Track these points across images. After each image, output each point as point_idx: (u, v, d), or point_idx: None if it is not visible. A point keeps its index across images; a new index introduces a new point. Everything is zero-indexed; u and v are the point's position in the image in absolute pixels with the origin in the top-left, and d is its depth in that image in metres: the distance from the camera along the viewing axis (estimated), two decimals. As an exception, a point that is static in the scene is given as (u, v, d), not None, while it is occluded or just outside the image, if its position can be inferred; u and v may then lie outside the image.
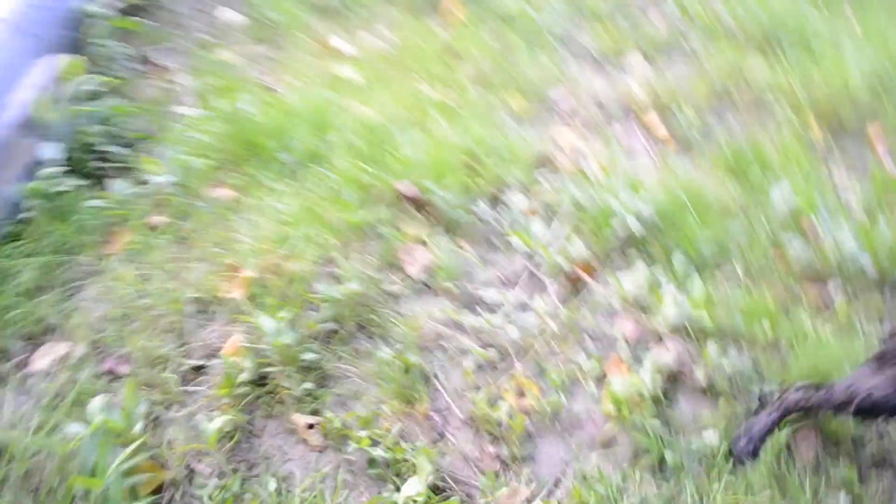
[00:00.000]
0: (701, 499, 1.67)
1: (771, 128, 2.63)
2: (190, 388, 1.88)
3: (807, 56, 2.89)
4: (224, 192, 2.34)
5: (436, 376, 1.92)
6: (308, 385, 1.86)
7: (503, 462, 1.76)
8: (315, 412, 1.83)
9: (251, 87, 2.72)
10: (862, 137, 2.60)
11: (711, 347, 1.92)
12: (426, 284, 2.12)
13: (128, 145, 2.48)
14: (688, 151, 2.58)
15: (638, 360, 1.93)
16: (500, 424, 1.80)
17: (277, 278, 2.06)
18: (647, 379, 1.87)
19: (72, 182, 2.28)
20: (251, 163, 2.40)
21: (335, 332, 1.98)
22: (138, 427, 1.72)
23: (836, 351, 1.89)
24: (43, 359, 1.93)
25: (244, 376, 1.85)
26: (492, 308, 2.07)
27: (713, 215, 2.26)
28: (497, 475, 1.73)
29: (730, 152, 2.50)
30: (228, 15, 3.14)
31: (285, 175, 2.37)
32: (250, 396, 1.84)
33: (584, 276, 2.13)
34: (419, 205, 2.28)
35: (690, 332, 1.98)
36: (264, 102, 2.60)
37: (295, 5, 3.17)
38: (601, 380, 1.91)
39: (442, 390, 1.89)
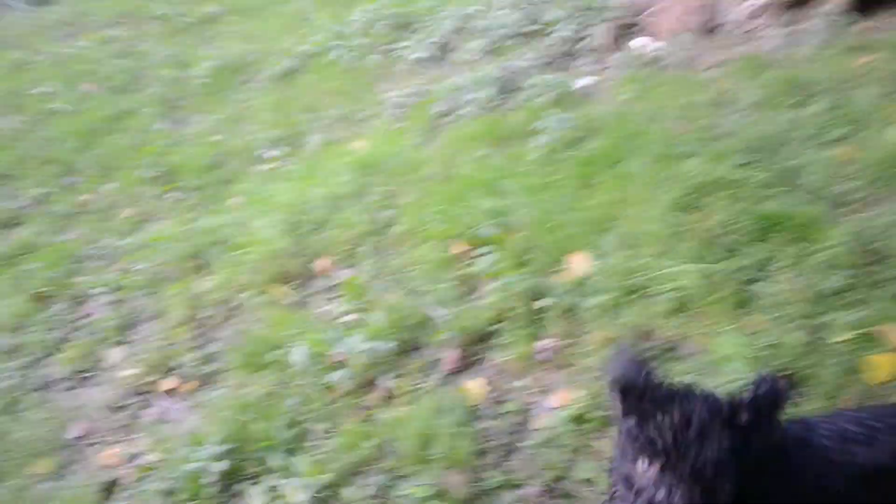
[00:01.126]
0: None
1: (247, 322, 2.99)
2: None
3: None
4: None
5: None
6: None
7: None
8: None
9: None
10: (313, 274, 3.14)
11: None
12: None
13: None
14: (206, 386, 2.78)
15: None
16: None
17: None
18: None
19: None
20: None
21: None
22: None
23: (424, 420, 2.27)
24: None
25: None
26: None
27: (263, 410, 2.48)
28: None
29: (246, 352, 2.76)
30: None
31: None
32: None
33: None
34: None
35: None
36: None
37: None
38: None
39: None
